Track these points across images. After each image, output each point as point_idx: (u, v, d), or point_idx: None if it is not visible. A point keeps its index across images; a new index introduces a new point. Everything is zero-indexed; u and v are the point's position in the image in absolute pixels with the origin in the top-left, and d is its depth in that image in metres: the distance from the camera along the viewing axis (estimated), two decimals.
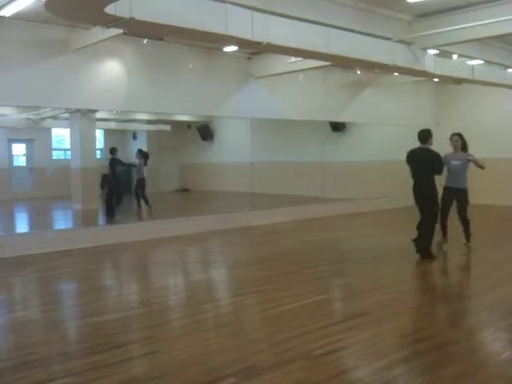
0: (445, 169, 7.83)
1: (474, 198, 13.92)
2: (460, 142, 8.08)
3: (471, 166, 8.12)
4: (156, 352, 4.11)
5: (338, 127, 15.39)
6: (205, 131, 19.92)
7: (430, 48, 8.92)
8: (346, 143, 15.41)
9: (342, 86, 13.30)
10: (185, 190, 20.52)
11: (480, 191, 14.19)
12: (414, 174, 7.48)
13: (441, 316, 5.19)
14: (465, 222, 8.06)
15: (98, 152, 18.15)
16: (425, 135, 7.48)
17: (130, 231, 9.77)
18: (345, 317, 5.00)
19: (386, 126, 14.35)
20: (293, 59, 9.66)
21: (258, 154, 16.19)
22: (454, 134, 8.19)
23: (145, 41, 9.24)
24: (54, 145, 20.40)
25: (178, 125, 19.12)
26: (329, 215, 12.65)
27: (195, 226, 10.36)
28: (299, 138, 16.08)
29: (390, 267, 7.17)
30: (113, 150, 11.94)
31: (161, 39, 9.43)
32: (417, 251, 7.46)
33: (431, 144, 7.52)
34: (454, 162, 8.01)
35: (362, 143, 14.70)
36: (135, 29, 6.70)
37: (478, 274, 6.54)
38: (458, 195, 7.99)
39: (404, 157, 7.65)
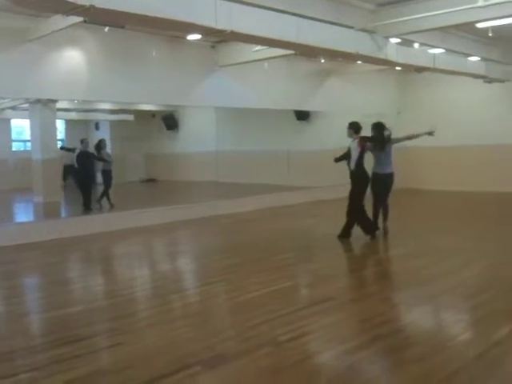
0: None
1: (433, 185, 14.41)
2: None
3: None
4: (122, 343, 4.09)
5: (302, 116, 15.48)
6: (170, 120, 19.76)
7: (392, 37, 9.01)
8: (310, 132, 15.50)
9: (307, 75, 13.35)
10: (150, 180, 20.34)
11: (440, 178, 14.59)
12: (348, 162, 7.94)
13: (401, 300, 5.31)
14: (386, 206, 8.20)
15: (60, 143, 17.80)
16: (359, 127, 7.92)
17: (95, 223, 9.64)
18: (310, 302, 5.07)
19: (350, 114, 14.48)
20: (257, 48, 9.63)
21: (223, 143, 16.15)
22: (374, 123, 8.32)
23: (106, 29, 9.07)
24: (14, 136, 19.93)
25: (142, 114, 18.91)
26: (295, 203, 12.74)
27: (161, 216, 10.29)
28: (264, 126, 16.12)
29: (355, 253, 7.30)
30: (83, 142, 11.52)
31: (122, 27, 9.26)
32: (366, 233, 7.88)
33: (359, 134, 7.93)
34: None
35: (327, 132, 14.81)
36: (96, 17, 6.55)
37: (435, 260, 6.70)
38: (387, 180, 8.15)
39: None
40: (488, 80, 13.05)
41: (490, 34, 9.44)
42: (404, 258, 6.93)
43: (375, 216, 8.12)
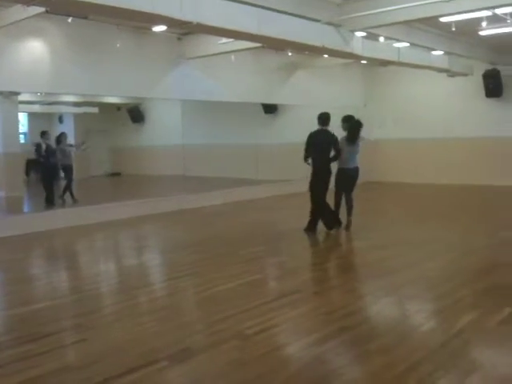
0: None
1: (396, 177, 14.61)
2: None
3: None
4: (88, 339, 4.04)
5: (270, 109, 15.48)
6: (135, 113, 19.48)
7: (357, 30, 9.07)
8: (278, 125, 15.53)
9: (274, 68, 13.35)
10: (116, 174, 20.04)
11: (402, 170, 14.83)
12: (315, 157, 7.79)
13: (365, 291, 5.39)
14: (351, 201, 8.19)
15: (22, 136, 17.37)
16: (327, 117, 7.87)
17: (59, 218, 9.46)
18: (277, 295, 5.10)
19: (317, 107, 14.57)
20: (224, 40, 9.57)
21: (190, 137, 16.04)
22: (345, 116, 8.33)
23: (69, 19, 8.88)
24: None
25: (106, 107, 18.58)
26: (263, 197, 12.77)
27: (127, 210, 10.17)
28: (232, 120, 16.05)
29: (321, 246, 7.36)
30: (45, 135, 11.22)
31: (85, 17, 9.08)
32: (329, 228, 7.92)
33: (328, 126, 7.90)
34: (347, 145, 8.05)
35: (294, 125, 14.86)
36: (57, 7, 6.41)
37: (399, 252, 6.83)
38: (355, 175, 8.15)
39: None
40: (451, 74, 13.30)
41: (454, 29, 9.61)
42: (368, 250, 7.03)
43: (337, 211, 8.13)
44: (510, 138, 13.58)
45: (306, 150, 7.91)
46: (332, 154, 7.81)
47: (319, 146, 7.79)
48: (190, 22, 6.68)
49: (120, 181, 19.25)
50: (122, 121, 19.91)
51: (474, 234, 8.03)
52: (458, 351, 3.67)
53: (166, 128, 18.28)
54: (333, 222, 7.97)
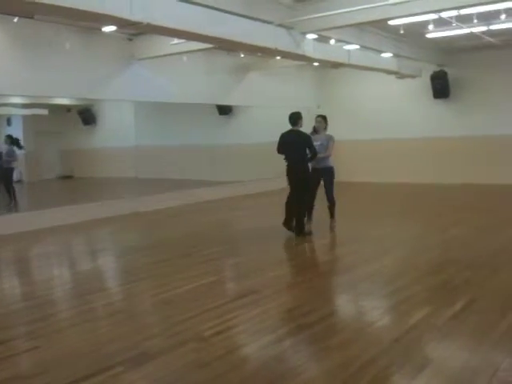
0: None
1: (351, 177, 14.87)
2: (323, 124, 8.24)
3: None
4: (40, 347, 3.93)
5: (224, 110, 15.46)
6: (87, 115, 19.09)
7: (309, 33, 9.18)
8: (233, 126, 15.54)
9: (228, 69, 13.35)
10: (67, 177, 19.58)
11: (356, 170, 15.10)
12: (288, 157, 7.69)
13: (323, 289, 5.46)
14: (332, 202, 8.16)
15: None
16: (297, 117, 7.75)
17: (7, 223, 9.15)
18: (235, 296, 5.09)
19: (272, 108, 14.68)
20: (176, 41, 9.50)
21: (143, 138, 15.83)
22: (318, 116, 8.36)
23: (15, 19, 8.61)
24: None
25: (56, 109, 18.14)
26: (219, 198, 12.74)
27: (80, 214, 9.94)
28: (186, 121, 15.94)
29: (278, 245, 7.40)
30: None
31: (32, 17, 8.82)
32: (292, 230, 7.76)
33: (301, 126, 7.81)
34: (315, 143, 7.92)
35: (250, 126, 14.92)
36: (1, 6, 6.20)
37: (356, 249, 6.95)
38: (325, 174, 8.07)
39: None
40: (400, 76, 13.64)
41: (402, 32, 9.86)
42: (326, 248, 7.13)
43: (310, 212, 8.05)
44: (457, 138, 14.04)
45: (278, 150, 7.82)
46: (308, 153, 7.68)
47: (291, 146, 7.64)
48: (140, 23, 6.60)
49: (72, 184, 18.80)
50: (73, 123, 19.48)
51: (427, 231, 8.26)
52: (411, 346, 3.76)
53: (118, 129, 17.96)
54: (301, 228, 7.75)
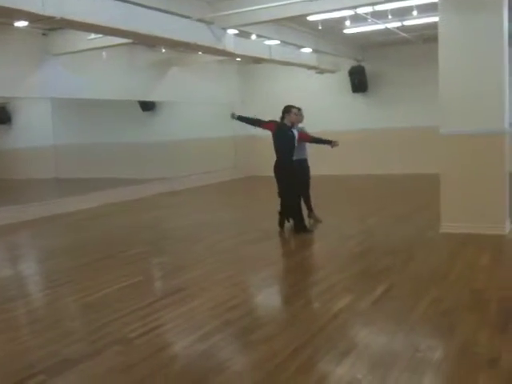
0: None
1: (270, 171, 14.97)
2: (302, 117, 8.22)
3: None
4: None
5: (147, 106, 15.18)
6: (1, 114, 18.19)
7: (229, 28, 9.19)
8: (157, 122, 15.30)
9: (150, 65, 13.14)
10: None
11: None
12: (277, 151, 7.54)
13: (248, 284, 5.52)
14: (307, 194, 8.14)
15: None
16: (283, 111, 7.59)
17: None
18: (161, 295, 5.05)
19: (197, 104, 14.61)
20: (93, 36, 9.22)
21: (62, 137, 15.28)
22: (298, 109, 8.11)
23: None
24: None
25: None
26: (146, 196, 12.54)
27: None
28: (109, 118, 15.51)
29: (204, 242, 7.38)
30: None
31: None
32: (279, 224, 7.69)
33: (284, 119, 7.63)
34: None
35: (174, 122, 14.75)
36: None
37: (278, 243, 7.05)
38: (299, 166, 7.89)
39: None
40: (320, 71, 13.96)
41: (320, 27, 10.09)
42: (251, 243, 7.18)
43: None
44: (375, 130, 14.57)
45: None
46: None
47: (280, 139, 7.54)
48: (53, 17, 6.35)
49: None
50: None
51: (345, 221, 8.51)
52: (335, 334, 3.87)
53: (35, 128, 17.24)
54: (300, 224, 7.54)
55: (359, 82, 14.53)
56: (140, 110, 15.25)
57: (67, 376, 3.39)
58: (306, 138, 7.85)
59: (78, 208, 10.91)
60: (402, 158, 14.05)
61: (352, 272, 5.53)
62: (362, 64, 14.50)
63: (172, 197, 12.56)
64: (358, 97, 14.83)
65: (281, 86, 15.60)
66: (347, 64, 14.38)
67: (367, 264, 5.82)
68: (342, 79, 14.70)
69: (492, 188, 6.70)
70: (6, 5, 5.83)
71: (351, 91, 14.76)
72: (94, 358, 3.61)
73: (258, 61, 12.01)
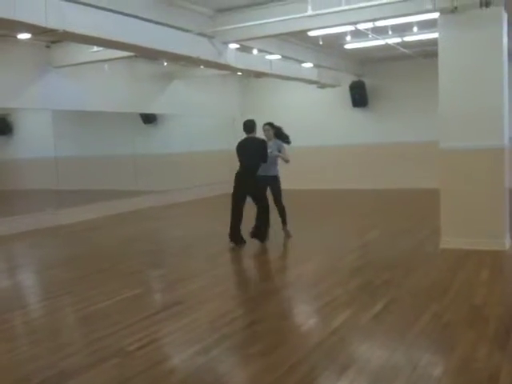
0: None
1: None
2: (271, 131, 8.21)
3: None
4: None
5: (149, 119, 15.24)
6: (2, 125, 18.25)
7: (230, 42, 9.25)
8: (158, 135, 15.35)
9: (151, 78, 13.21)
10: None
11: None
12: (244, 164, 7.63)
13: (246, 297, 5.49)
14: (281, 209, 8.18)
15: None
16: (252, 125, 7.78)
17: None
18: (158, 309, 5.02)
19: (198, 117, 14.67)
20: (95, 48, 9.28)
21: (64, 148, 15.32)
22: (265, 124, 8.26)
23: None
24: None
25: None
26: (144, 208, 12.53)
27: None
28: (110, 130, 15.57)
29: (202, 255, 7.36)
30: None
31: None
32: (237, 243, 7.69)
33: (255, 133, 7.83)
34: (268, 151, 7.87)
35: (175, 135, 14.81)
36: None
37: (278, 255, 7.04)
38: (270, 182, 8.07)
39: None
40: (321, 85, 14.02)
41: (321, 42, 10.15)
42: (247, 257, 7.16)
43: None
44: (375, 145, 14.60)
45: (239, 158, 7.77)
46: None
47: (246, 151, 7.67)
48: (56, 30, 6.39)
49: None
50: None
51: (346, 235, 8.50)
52: (334, 348, 3.84)
53: (36, 139, 17.28)
54: (264, 233, 7.76)
55: (359, 96, 14.60)
56: (141, 122, 15.31)
57: None
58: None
59: (77, 219, 10.91)
60: (402, 172, 14.05)
61: (352, 286, 5.50)
62: (363, 79, 14.58)
63: (172, 209, 12.56)
64: (359, 111, 14.89)
65: (282, 100, 15.67)
66: (348, 79, 14.46)
67: (367, 278, 5.79)
68: (343, 94, 14.76)
69: (492, 203, 6.70)
70: (10, 17, 5.86)
71: (351, 106, 14.82)
72: (91, 371, 3.58)
73: (259, 75, 12.08)
